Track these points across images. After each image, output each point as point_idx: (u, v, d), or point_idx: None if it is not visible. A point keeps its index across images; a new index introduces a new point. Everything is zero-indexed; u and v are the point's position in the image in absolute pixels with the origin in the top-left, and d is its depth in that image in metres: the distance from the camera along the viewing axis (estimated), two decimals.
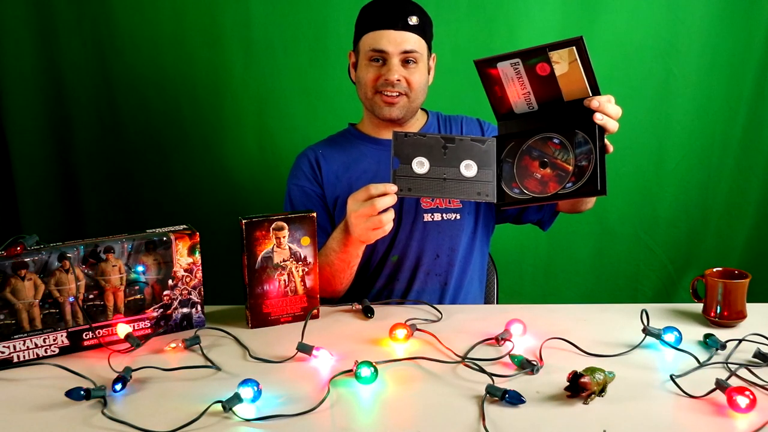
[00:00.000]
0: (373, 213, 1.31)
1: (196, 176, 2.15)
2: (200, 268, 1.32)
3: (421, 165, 1.36)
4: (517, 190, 1.35)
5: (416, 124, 1.63)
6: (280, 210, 1.36)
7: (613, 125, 1.29)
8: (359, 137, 1.64)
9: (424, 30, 1.52)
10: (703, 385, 1.06)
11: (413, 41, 1.49)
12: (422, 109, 1.65)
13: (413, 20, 1.49)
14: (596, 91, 1.30)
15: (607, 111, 1.28)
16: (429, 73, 1.57)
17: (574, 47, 1.26)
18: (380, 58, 1.49)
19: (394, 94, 1.50)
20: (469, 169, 1.37)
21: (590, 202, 1.51)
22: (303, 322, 1.30)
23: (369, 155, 1.60)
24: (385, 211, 1.32)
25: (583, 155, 1.30)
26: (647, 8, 2.08)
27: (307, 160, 1.63)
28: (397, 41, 1.47)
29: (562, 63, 1.29)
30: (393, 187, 1.32)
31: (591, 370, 1.05)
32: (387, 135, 1.56)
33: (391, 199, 1.32)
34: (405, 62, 1.49)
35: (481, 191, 1.36)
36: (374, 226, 1.32)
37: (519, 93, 1.35)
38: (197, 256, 1.31)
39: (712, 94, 2.15)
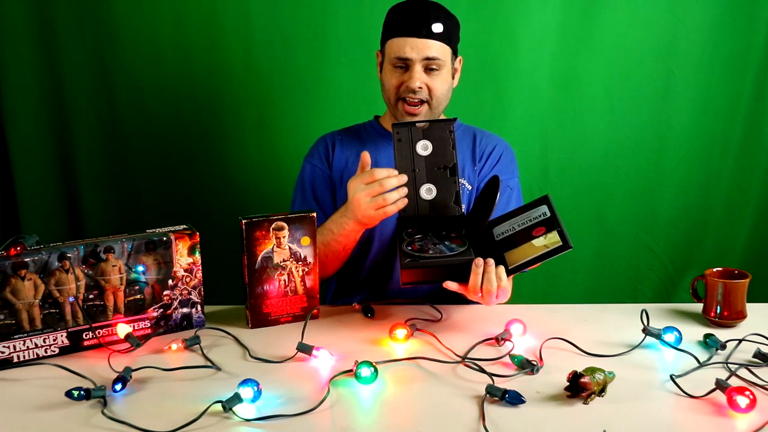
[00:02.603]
0: (380, 191, 1.31)
1: (196, 176, 2.15)
2: (200, 268, 1.32)
3: (425, 148, 1.41)
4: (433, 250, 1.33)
5: None
6: (279, 210, 1.37)
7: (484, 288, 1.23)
8: (378, 131, 1.66)
9: (449, 36, 1.50)
10: (703, 385, 1.06)
11: (436, 48, 1.47)
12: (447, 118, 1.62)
13: (437, 27, 1.47)
14: (517, 270, 1.26)
15: (489, 279, 1.23)
16: (453, 77, 1.56)
17: (562, 247, 1.24)
18: (403, 64, 1.49)
19: (416, 101, 1.50)
20: (429, 192, 1.40)
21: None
22: (303, 322, 1.30)
23: (383, 150, 1.61)
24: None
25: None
26: (647, 8, 2.08)
27: (324, 141, 1.67)
28: (419, 48, 1.46)
29: (546, 242, 1.27)
30: (397, 173, 1.33)
31: (591, 370, 1.05)
32: None
33: (397, 180, 1.32)
34: (427, 69, 1.49)
35: (409, 205, 1.36)
36: (378, 205, 1.32)
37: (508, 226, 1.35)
38: (197, 256, 1.31)
39: (712, 94, 2.14)
